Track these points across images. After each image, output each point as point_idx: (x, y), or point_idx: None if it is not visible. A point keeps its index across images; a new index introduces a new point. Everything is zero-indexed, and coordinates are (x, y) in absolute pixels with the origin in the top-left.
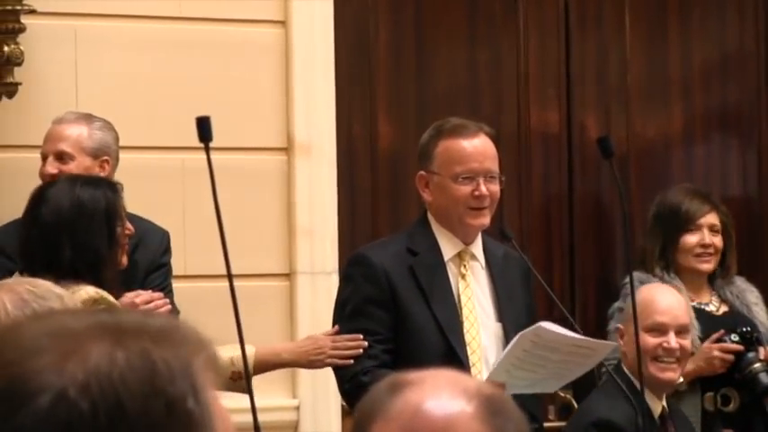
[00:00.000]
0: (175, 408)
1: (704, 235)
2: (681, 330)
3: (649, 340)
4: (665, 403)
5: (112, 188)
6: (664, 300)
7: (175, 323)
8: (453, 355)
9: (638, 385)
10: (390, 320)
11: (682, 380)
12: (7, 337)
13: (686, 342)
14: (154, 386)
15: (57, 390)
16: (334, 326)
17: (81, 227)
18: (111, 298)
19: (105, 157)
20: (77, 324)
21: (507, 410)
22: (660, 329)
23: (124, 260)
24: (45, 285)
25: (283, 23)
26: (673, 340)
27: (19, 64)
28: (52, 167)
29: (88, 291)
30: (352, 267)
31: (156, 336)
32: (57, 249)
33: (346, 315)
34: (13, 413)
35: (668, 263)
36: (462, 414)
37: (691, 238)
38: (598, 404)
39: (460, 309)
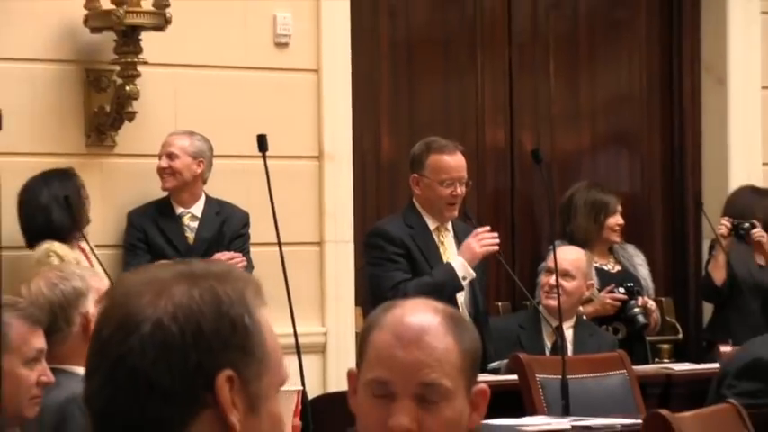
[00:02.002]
0: (236, 324)
1: (619, 218)
2: (565, 274)
3: (543, 278)
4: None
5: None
6: (563, 252)
7: (231, 268)
8: (457, 284)
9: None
10: (406, 265)
11: (585, 316)
12: (117, 287)
13: (565, 283)
14: (220, 311)
15: (154, 319)
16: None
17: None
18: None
19: (201, 159)
20: (163, 274)
21: (465, 324)
22: (551, 271)
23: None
24: (69, 269)
25: (316, 71)
26: (553, 279)
27: (136, 98)
28: (164, 162)
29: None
30: (375, 237)
31: (218, 277)
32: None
33: (383, 266)
34: (126, 337)
35: (595, 235)
36: (432, 323)
37: (612, 220)
38: None
39: (442, 262)
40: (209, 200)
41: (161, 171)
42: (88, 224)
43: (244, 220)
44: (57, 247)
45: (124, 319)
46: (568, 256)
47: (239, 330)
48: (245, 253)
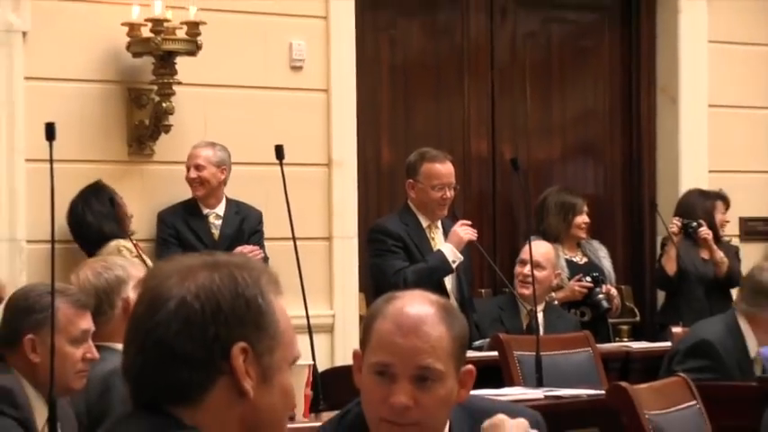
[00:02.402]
0: (251, 304)
1: (585, 217)
2: (537, 265)
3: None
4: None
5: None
6: (533, 247)
7: (249, 259)
8: (448, 268)
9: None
10: (404, 255)
11: (556, 302)
12: (151, 273)
13: (539, 274)
14: (237, 292)
15: (179, 297)
16: (383, 260)
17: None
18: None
19: (224, 167)
20: (190, 261)
21: (455, 313)
22: (525, 262)
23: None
24: (112, 260)
25: (326, 91)
26: (526, 269)
27: (171, 113)
28: (193, 173)
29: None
30: (376, 233)
31: (237, 265)
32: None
33: (387, 256)
34: (154, 314)
35: (564, 232)
36: (428, 313)
37: (579, 219)
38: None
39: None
40: (228, 201)
41: (191, 181)
42: (131, 222)
43: (259, 218)
44: (123, 243)
45: (154, 299)
46: (539, 249)
47: (253, 309)
48: (261, 246)
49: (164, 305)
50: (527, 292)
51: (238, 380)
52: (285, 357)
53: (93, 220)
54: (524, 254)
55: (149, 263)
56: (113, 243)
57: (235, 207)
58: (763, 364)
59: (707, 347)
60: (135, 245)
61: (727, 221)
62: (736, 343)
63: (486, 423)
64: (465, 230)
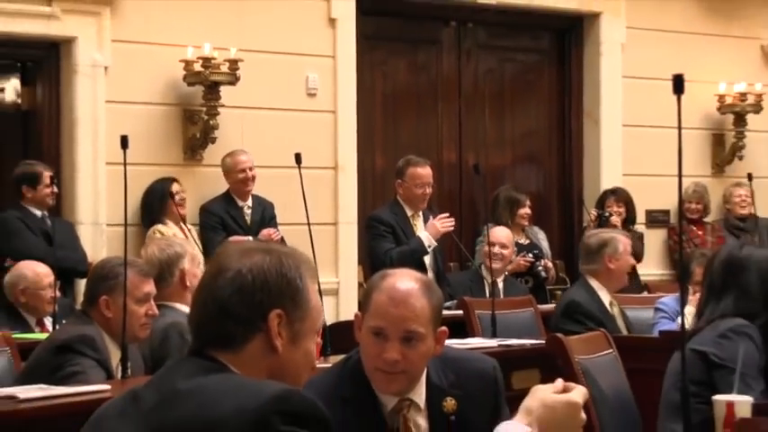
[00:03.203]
0: (291, 282)
1: (527, 209)
2: (503, 246)
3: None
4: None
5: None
6: (499, 232)
7: (296, 250)
8: (424, 251)
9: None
10: (392, 239)
11: (507, 272)
12: (221, 251)
13: (503, 251)
14: (281, 272)
15: (235, 269)
16: (376, 242)
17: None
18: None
19: (254, 167)
20: (249, 246)
21: (434, 288)
22: (493, 243)
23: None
24: (173, 239)
25: (334, 112)
26: (495, 249)
27: (216, 129)
28: (249, 174)
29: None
30: (372, 221)
31: (285, 253)
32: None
33: (379, 239)
34: (216, 279)
35: (510, 220)
36: (413, 288)
37: (522, 211)
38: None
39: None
40: (253, 195)
41: (247, 180)
42: (181, 211)
43: (272, 208)
44: (159, 227)
45: (218, 269)
46: (503, 233)
47: (292, 287)
48: (276, 228)
49: (224, 274)
50: (497, 266)
51: (271, 338)
52: (311, 327)
53: (146, 208)
54: (492, 237)
55: (197, 242)
56: (153, 227)
57: (257, 200)
58: (661, 313)
59: (574, 308)
60: (181, 228)
61: (620, 212)
62: (592, 296)
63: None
64: (443, 223)
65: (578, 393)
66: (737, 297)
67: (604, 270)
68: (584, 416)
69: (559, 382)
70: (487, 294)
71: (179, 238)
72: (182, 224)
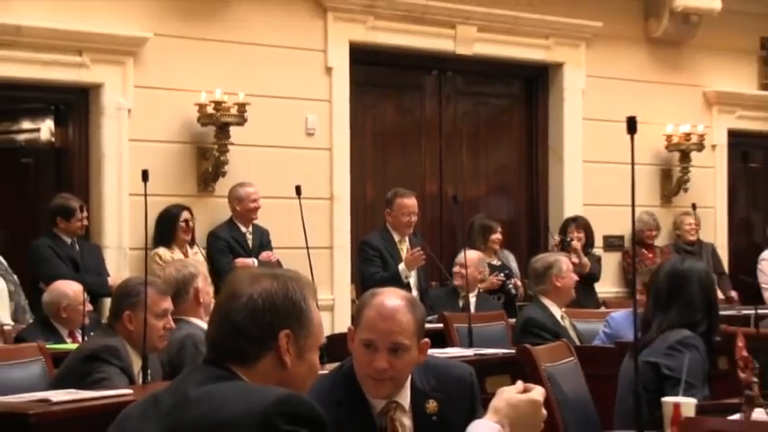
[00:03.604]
0: (296, 304)
1: (498, 235)
2: (470, 265)
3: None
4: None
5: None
6: (470, 255)
7: (298, 273)
8: (401, 280)
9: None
10: (380, 262)
11: (482, 290)
12: (233, 276)
13: (462, 270)
14: (287, 295)
15: (248, 295)
16: (356, 271)
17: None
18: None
19: (259, 198)
20: (258, 272)
21: (417, 304)
22: (461, 265)
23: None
24: (188, 261)
25: (330, 149)
26: (461, 270)
27: (227, 164)
28: (256, 205)
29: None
30: (363, 245)
31: (290, 277)
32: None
33: (367, 263)
34: (231, 303)
35: (483, 244)
36: (400, 305)
37: (494, 236)
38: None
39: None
40: (252, 223)
41: (254, 210)
42: (185, 237)
43: (268, 234)
44: (159, 251)
45: (232, 293)
46: (470, 256)
47: (297, 308)
48: (271, 251)
49: (238, 299)
50: (459, 282)
51: (281, 354)
52: (315, 343)
53: (155, 232)
54: (459, 259)
55: (198, 259)
56: (154, 251)
57: (256, 227)
58: (610, 325)
59: (532, 321)
60: (185, 252)
61: (580, 238)
62: (545, 312)
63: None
64: (415, 260)
65: (538, 393)
66: (681, 308)
67: (553, 288)
68: (544, 412)
69: (520, 384)
70: (460, 308)
71: (193, 260)
72: (187, 247)
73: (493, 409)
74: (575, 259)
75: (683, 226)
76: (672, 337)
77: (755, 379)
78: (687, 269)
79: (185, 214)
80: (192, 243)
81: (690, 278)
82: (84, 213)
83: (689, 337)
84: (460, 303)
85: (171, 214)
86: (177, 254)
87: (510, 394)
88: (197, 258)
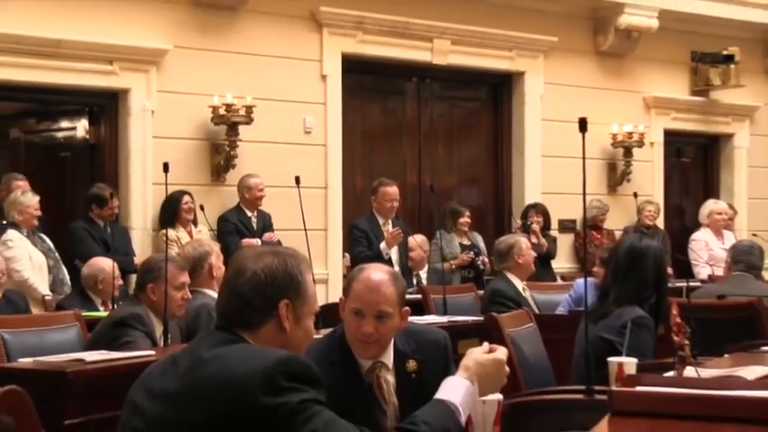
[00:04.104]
0: (293, 278)
1: (467, 219)
2: (416, 248)
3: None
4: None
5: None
6: (418, 238)
7: (295, 250)
8: (383, 257)
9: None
10: (366, 243)
11: (455, 266)
12: (239, 254)
13: (417, 251)
14: (286, 270)
15: (252, 270)
16: (346, 250)
17: None
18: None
19: (264, 187)
20: (261, 250)
21: (399, 278)
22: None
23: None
24: (203, 240)
25: (324, 146)
26: (412, 254)
27: (236, 158)
28: (262, 193)
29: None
30: (352, 228)
31: (288, 254)
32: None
33: (355, 244)
34: (237, 277)
35: (453, 226)
36: (384, 278)
37: (462, 219)
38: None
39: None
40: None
41: (261, 198)
42: (187, 217)
43: (270, 218)
44: (170, 232)
45: (238, 269)
46: (417, 239)
47: (294, 281)
48: (273, 232)
49: (244, 274)
50: (412, 263)
51: (281, 321)
52: (310, 310)
53: (162, 214)
54: (409, 241)
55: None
56: (162, 230)
57: (260, 212)
58: (575, 290)
59: (498, 292)
60: (189, 231)
61: (539, 221)
62: (509, 285)
63: (475, 354)
64: (394, 238)
65: (501, 353)
66: (636, 281)
67: (515, 265)
68: (507, 369)
69: (486, 345)
70: (414, 283)
71: (207, 239)
72: (191, 226)
73: (463, 368)
74: (534, 240)
75: (644, 212)
76: (626, 316)
77: (687, 342)
78: (644, 247)
79: (186, 198)
80: (196, 222)
81: (646, 255)
82: (116, 201)
83: (641, 317)
84: (414, 281)
85: (174, 199)
86: (182, 232)
87: (477, 354)
88: (201, 236)
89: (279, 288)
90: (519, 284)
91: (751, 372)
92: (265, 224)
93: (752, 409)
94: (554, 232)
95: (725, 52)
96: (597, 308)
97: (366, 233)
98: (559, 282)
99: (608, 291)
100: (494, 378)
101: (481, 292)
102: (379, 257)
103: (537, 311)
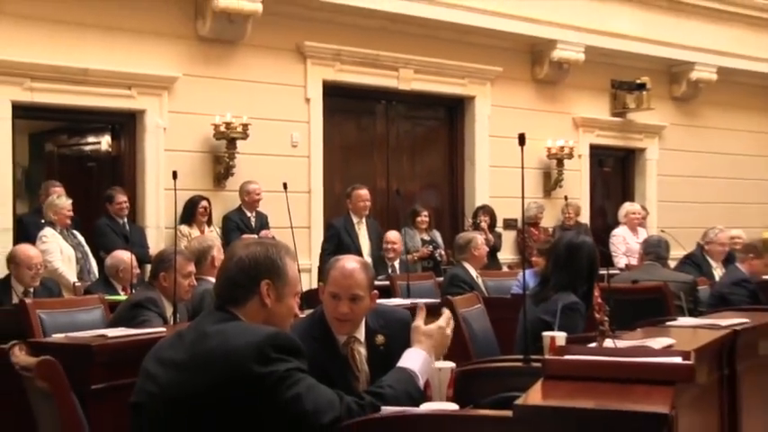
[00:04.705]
0: (274, 262)
1: (424, 218)
2: (394, 242)
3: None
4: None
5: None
6: (391, 234)
7: (278, 241)
8: (358, 249)
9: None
10: (336, 242)
11: (417, 257)
12: (232, 245)
13: (394, 246)
14: (267, 255)
15: (239, 256)
16: (324, 243)
17: None
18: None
19: (260, 192)
20: (249, 241)
21: (369, 266)
22: (388, 241)
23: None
24: (207, 236)
25: (308, 157)
26: (388, 246)
27: (234, 167)
28: (260, 197)
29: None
30: (328, 225)
31: (271, 244)
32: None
33: (325, 240)
34: (228, 262)
35: (413, 224)
36: (356, 267)
37: (419, 218)
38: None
39: (360, 238)
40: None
41: (258, 201)
42: (202, 218)
43: (267, 218)
44: (182, 227)
45: (230, 256)
46: (393, 235)
47: (275, 265)
48: (268, 229)
49: (233, 259)
50: (390, 255)
51: (262, 298)
52: (291, 290)
53: (187, 208)
54: (387, 237)
55: (214, 235)
56: (179, 227)
57: (258, 212)
58: (520, 281)
59: (456, 278)
60: (201, 229)
61: (487, 220)
62: (466, 272)
63: (418, 324)
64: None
65: (442, 319)
66: (572, 271)
67: (471, 256)
68: (449, 332)
69: (423, 312)
70: (389, 271)
71: (210, 236)
72: (204, 226)
73: (416, 341)
74: (483, 236)
75: (565, 213)
76: (562, 301)
77: (606, 318)
78: (581, 242)
79: (203, 202)
80: (210, 223)
81: (582, 249)
82: (124, 199)
83: (574, 302)
84: (389, 270)
85: (193, 202)
86: (195, 230)
87: (423, 328)
88: (212, 235)
89: (260, 270)
90: (473, 272)
91: (658, 342)
92: (262, 223)
93: (658, 372)
94: (499, 229)
95: (638, 81)
96: (539, 292)
97: (338, 231)
98: (505, 270)
99: (548, 278)
100: (440, 342)
101: (439, 279)
102: (357, 249)
103: (487, 295)
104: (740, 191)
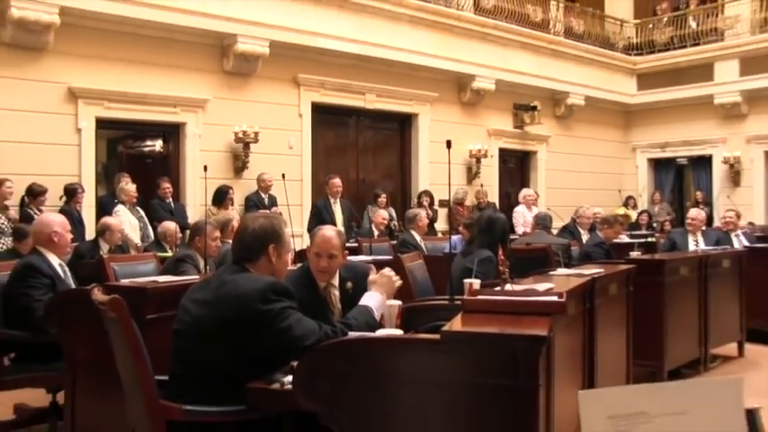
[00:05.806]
0: (277, 231)
1: (383, 198)
2: (382, 221)
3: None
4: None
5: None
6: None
7: (279, 215)
8: (333, 221)
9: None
10: (320, 219)
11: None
12: (245, 217)
13: (383, 223)
14: (272, 226)
15: (252, 228)
16: (310, 217)
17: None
18: (212, 208)
19: (272, 180)
20: (258, 214)
21: (343, 235)
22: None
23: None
24: (228, 212)
25: (301, 156)
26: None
27: (249, 163)
28: (272, 183)
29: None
30: (314, 205)
31: (274, 217)
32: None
33: (311, 216)
34: (242, 232)
35: (375, 203)
36: (333, 234)
37: (379, 199)
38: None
39: (335, 214)
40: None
41: (270, 187)
42: (228, 202)
43: (275, 199)
44: (211, 207)
45: (243, 226)
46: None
47: (277, 233)
48: (277, 206)
49: (246, 229)
50: (380, 228)
51: (269, 257)
52: (287, 251)
53: (218, 195)
54: (376, 219)
55: (234, 212)
56: (209, 207)
57: (270, 195)
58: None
59: (405, 241)
60: (222, 208)
61: (428, 200)
62: (411, 237)
63: (371, 277)
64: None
65: (387, 270)
66: (490, 236)
67: (417, 226)
68: (395, 279)
69: (374, 269)
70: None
71: (232, 211)
72: (229, 206)
73: (372, 287)
74: (425, 212)
75: (478, 196)
76: (481, 255)
77: (507, 270)
78: (496, 217)
79: (231, 191)
80: (232, 203)
81: (497, 222)
82: (168, 186)
83: (489, 256)
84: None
85: (223, 191)
86: (222, 210)
87: (374, 276)
88: (233, 212)
89: (267, 237)
90: (418, 238)
91: (542, 286)
92: (273, 202)
93: (541, 307)
94: (436, 207)
95: (532, 104)
96: (466, 249)
97: (320, 209)
98: (440, 236)
99: (473, 240)
100: (388, 285)
101: (393, 242)
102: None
103: (426, 253)
104: (600, 181)
